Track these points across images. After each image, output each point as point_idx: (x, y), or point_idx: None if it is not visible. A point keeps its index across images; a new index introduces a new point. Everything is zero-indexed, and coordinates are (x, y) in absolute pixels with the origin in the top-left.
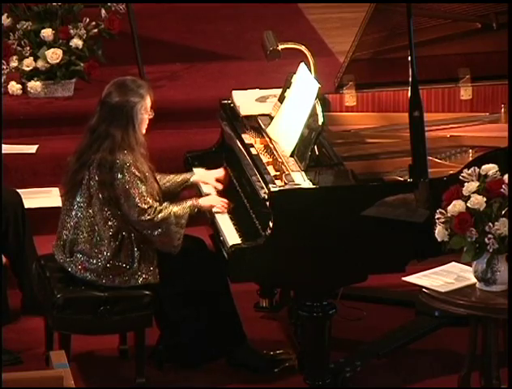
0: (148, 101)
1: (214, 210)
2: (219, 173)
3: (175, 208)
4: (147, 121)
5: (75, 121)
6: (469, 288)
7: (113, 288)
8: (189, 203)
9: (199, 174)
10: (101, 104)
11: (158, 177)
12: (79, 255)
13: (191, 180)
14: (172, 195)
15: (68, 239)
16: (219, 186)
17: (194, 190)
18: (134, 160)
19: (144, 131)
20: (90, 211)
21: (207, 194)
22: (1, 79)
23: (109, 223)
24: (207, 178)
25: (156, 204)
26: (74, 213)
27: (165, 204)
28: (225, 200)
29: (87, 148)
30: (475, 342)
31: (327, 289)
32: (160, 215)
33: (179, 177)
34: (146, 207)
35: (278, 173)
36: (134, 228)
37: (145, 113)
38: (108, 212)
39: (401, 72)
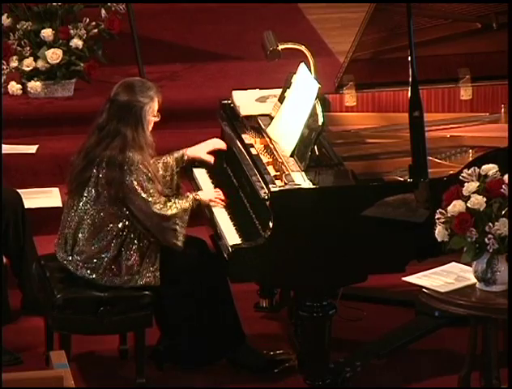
0: (156, 104)
1: (212, 204)
2: (210, 145)
3: (179, 204)
4: (153, 123)
5: (75, 121)
6: (469, 288)
7: (113, 288)
8: (190, 197)
9: (191, 150)
10: (110, 103)
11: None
12: (80, 253)
13: (185, 157)
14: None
15: (70, 237)
16: (211, 158)
17: (192, 185)
18: (143, 159)
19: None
20: (95, 208)
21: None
22: (1, 79)
23: (115, 221)
24: (200, 153)
25: (163, 199)
26: (78, 211)
27: (171, 201)
28: (221, 193)
29: (95, 146)
30: (475, 342)
31: (327, 289)
32: (168, 211)
33: (172, 158)
34: (155, 200)
35: (278, 173)
36: (143, 225)
37: (152, 115)
38: (115, 211)
39: (401, 72)
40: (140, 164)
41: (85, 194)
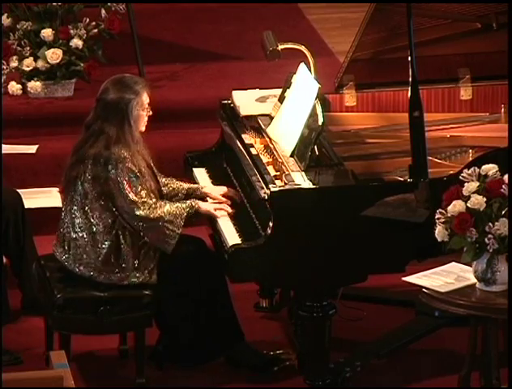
0: (145, 98)
1: (214, 213)
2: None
3: (172, 207)
4: (146, 119)
5: (75, 121)
6: (469, 288)
7: (112, 288)
8: (187, 203)
9: (210, 188)
10: (97, 101)
11: (164, 180)
12: (76, 250)
13: (201, 191)
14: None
15: (66, 235)
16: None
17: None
18: (130, 155)
19: (144, 129)
20: (85, 206)
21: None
22: (1, 79)
23: (104, 219)
24: (216, 193)
25: (152, 201)
26: (70, 209)
27: (161, 202)
28: (226, 205)
29: (83, 144)
30: (475, 342)
31: (327, 289)
32: (155, 213)
33: (186, 185)
34: (140, 200)
35: (278, 173)
36: (129, 224)
37: (141, 109)
38: (104, 207)
39: (401, 72)
40: (127, 160)
41: (74, 192)
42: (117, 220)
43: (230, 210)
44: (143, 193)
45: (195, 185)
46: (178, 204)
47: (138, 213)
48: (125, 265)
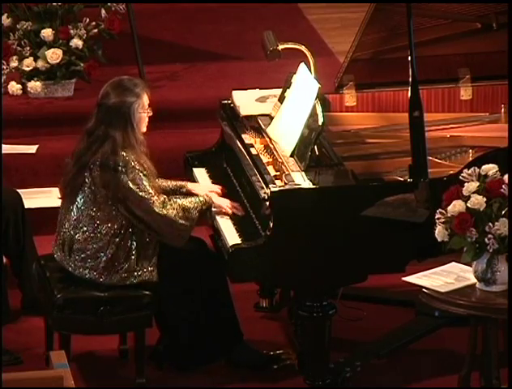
0: (145, 99)
1: (226, 208)
2: (215, 188)
3: (185, 202)
4: (147, 120)
5: (75, 121)
6: (469, 288)
7: (112, 288)
8: (201, 198)
9: (194, 185)
10: (98, 107)
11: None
12: (78, 253)
13: (186, 188)
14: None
15: (67, 237)
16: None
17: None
18: (137, 157)
19: (145, 130)
20: (92, 210)
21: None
22: (1, 79)
23: (112, 222)
24: (201, 191)
25: (163, 197)
26: (74, 212)
27: (173, 198)
28: (237, 205)
29: (86, 151)
30: (475, 342)
31: (327, 289)
32: (170, 208)
33: (173, 183)
34: (154, 198)
35: (278, 173)
36: (146, 223)
37: (143, 111)
38: (113, 211)
39: (401, 72)
40: (135, 162)
41: (80, 197)
42: (124, 223)
43: (241, 210)
44: (154, 191)
45: (179, 183)
46: (192, 198)
47: (155, 210)
48: (126, 266)
